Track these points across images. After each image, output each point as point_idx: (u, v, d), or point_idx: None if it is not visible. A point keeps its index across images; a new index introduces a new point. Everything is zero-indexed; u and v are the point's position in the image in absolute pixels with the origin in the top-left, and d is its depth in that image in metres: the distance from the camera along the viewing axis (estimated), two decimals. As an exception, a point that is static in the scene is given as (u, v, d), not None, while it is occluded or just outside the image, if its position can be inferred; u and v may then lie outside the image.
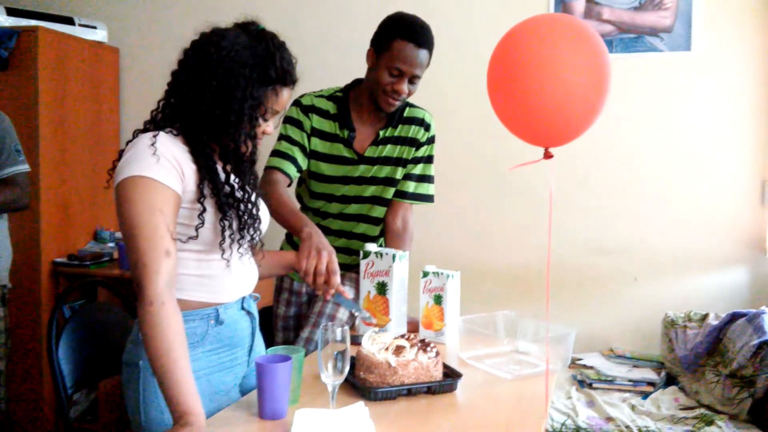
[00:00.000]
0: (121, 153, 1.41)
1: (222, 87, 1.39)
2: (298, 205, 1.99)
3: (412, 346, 1.57)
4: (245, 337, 1.57)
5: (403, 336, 1.62)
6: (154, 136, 1.37)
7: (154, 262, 1.28)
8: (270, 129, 1.50)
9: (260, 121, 1.47)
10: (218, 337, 1.48)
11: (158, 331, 1.25)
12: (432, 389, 1.54)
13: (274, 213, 1.83)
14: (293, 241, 2.27)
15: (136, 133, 1.43)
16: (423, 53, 1.99)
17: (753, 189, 3.07)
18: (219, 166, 1.48)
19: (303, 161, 2.08)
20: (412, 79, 2.02)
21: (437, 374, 1.57)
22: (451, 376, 1.59)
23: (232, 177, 1.50)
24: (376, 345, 1.57)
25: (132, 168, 1.33)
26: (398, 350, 1.55)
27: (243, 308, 1.56)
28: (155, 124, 1.46)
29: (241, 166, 1.51)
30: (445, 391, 1.55)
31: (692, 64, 3.11)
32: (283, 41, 1.49)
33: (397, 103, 2.05)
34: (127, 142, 1.42)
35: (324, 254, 1.66)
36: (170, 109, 1.45)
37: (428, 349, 1.57)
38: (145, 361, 1.35)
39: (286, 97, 1.51)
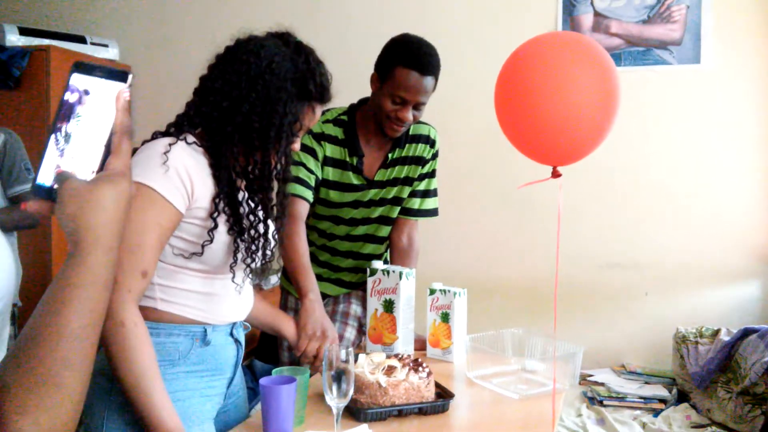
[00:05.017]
0: (135, 150, 1.33)
1: (262, 99, 1.33)
2: (308, 256, 1.91)
3: (404, 366, 1.56)
4: (228, 366, 1.46)
5: (396, 356, 1.62)
6: (170, 145, 1.29)
7: (129, 279, 1.22)
8: (298, 146, 1.43)
9: (294, 137, 1.40)
10: (201, 359, 1.38)
11: (132, 353, 1.21)
12: (423, 410, 1.52)
13: (285, 258, 1.78)
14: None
15: (156, 135, 1.35)
16: (428, 80, 1.91)
17: (764, 202, 3.05)
18: (239, 184, 1.41)
19: (314, 183, 2.06)
20: (417, 106, 1.95)
21: (429, 394, 1.55)
22: (443, 396, 1.58)
23: (249, 195, 1.43)
24: (368, 365, 1.56)
25: (136, 173, 1.24)
26: (389, 370, 1.54)
27: (231, 335, 1.46)
28: (179, 128, 1.37)
29: (265, 184, 1.41)
30: (436, 412, 1.53)
31: (701, 77, 3.10)
32: (319, 58, 1.44)
33: (402, 129, 2.00)
34: (143, 142, 1.34)
35: (328, 335, 1.63)
36: (199, 115, 1.37)
37: (420, 369, 1.56)
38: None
39: (318, 114, 1.46)
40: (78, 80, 0.77)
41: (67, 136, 0.75)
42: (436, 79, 1.96)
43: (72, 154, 0.75)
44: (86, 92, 0.76)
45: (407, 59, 1.90)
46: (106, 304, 0.70)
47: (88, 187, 0.71)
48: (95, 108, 0.76)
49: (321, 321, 1.68)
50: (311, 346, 1.63)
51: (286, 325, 1.68)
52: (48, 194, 0.75)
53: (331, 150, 2.05)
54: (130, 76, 0.78)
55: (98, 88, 0.77)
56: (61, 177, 0.73)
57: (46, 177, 0.75)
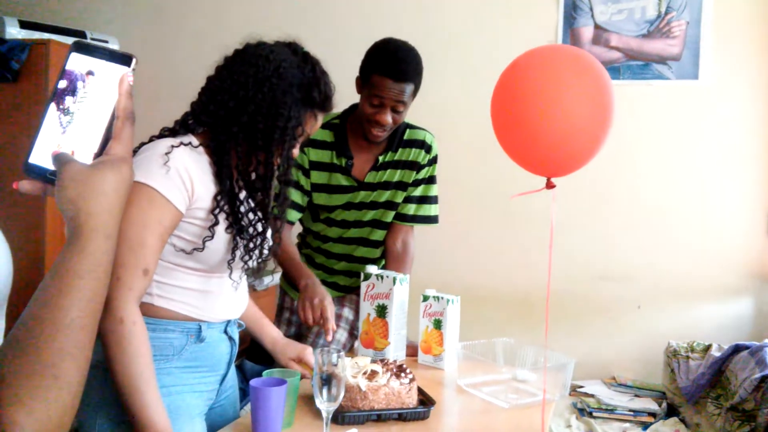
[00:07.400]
0: (139, 147, 1.37)
1: (268, 101, 1.37)
2: (296, 252, 2.06)
3: (386, 371, 1.56)
4: (222, 363, 1.49)
5: (381, 361, 1.62)
6: (172, 146, 1.32)
7: (130, 278, 1.24)
8: (297, 151, 1.47)
9: (295, 141, 1.43)
10: (195, 356, 1.41)
11: (129, 351, 1.22)
12: (403, 416, 1.52)
13: (276, 259, 1.84)
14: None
15: (164, 131, 1.40)
16: (404, 86, 1.92)
17: (759, 219, 3.06)
18: (240, 183, 1.45)
19: (302, 200, 2.08)
20: (396, 109, 1.95)
21: (410, 401, 1.54)
22: (425, 403, 1.57)
23: (249, 195, 1.47)
24: (351, 368, 1.56)
25: (138, 173, 1.26)
26: (371, 375, 1.54)
27: (225, 332, 1.49)
28: (185, 125, 1.41)
29: (266, 184, 1.46)
30: (416, 419, 1.53)
31: (699, 93, 3.11)
32: (324, 69, 1.48)
33: (383, 134, 2.00)
34: (151, 138, 1.38)
35: (316, 302, 1.79)
36: (205, 113, 1.40)
37: (403, 375, 1.56)
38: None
39: (320, 122, 1.50)
40: (78, 60, 0.73)
41: (64, 116, 0.71)
42: (416, 85, 1.96)
43: (69, 134, 0.71)
44: (88, 72, 0.73)
45: (382, 67, 1.92)
46: (105, 293, 0.67)
47: (90, 172, 0.68)
48: (95, 90, 0.72)
49: (311, 294, 1.81)
50: (307, 316, 1.77)
51: (266, 329, 1.70)
52: (42, 175, 0.71)
53: (315, 154, 2.08)
54: (134, 60, 0.74)
55: (99, 69, 0.73)
56: (61, 159, 0.69)
57: (40, 157, 0.71)
